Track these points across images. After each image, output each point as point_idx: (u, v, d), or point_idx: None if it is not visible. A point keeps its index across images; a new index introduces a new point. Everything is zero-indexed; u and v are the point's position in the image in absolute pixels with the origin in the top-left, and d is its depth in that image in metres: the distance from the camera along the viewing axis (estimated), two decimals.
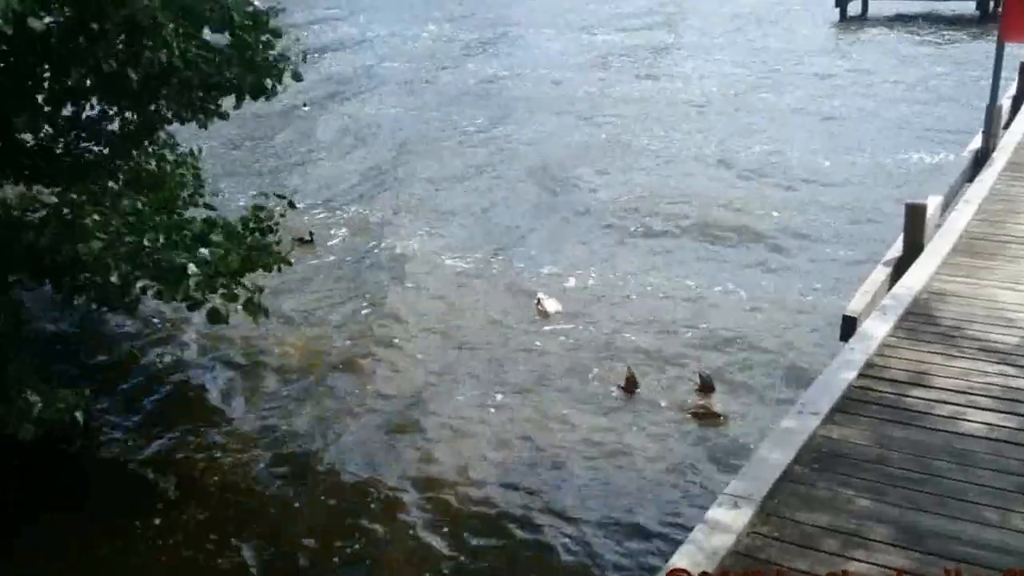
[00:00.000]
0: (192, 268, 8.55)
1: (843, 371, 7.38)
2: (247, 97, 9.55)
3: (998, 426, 6.63)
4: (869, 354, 7.74)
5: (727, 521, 5.38)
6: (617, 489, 9.71)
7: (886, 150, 21.08)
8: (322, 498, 9.73)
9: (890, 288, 9.73)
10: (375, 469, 10.12)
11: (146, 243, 8.48)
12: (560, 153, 21.54)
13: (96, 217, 8.78)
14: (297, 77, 9.74)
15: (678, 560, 5.03)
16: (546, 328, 13.15)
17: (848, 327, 9.16)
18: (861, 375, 7.40)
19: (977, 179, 12.84)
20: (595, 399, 11.31)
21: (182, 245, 8.79)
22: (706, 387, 11.22)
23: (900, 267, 10.28)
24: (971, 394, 7.11)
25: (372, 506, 9.56)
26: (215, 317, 9.02)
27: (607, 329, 13.10)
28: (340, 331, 13.27)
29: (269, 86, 9.58)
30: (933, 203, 11.39)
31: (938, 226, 11.11)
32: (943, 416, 6.78)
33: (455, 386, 11.71)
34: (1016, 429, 6.58)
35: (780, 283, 14.47)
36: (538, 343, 12.78)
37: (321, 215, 17.95)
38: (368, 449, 10.53)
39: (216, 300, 9.07)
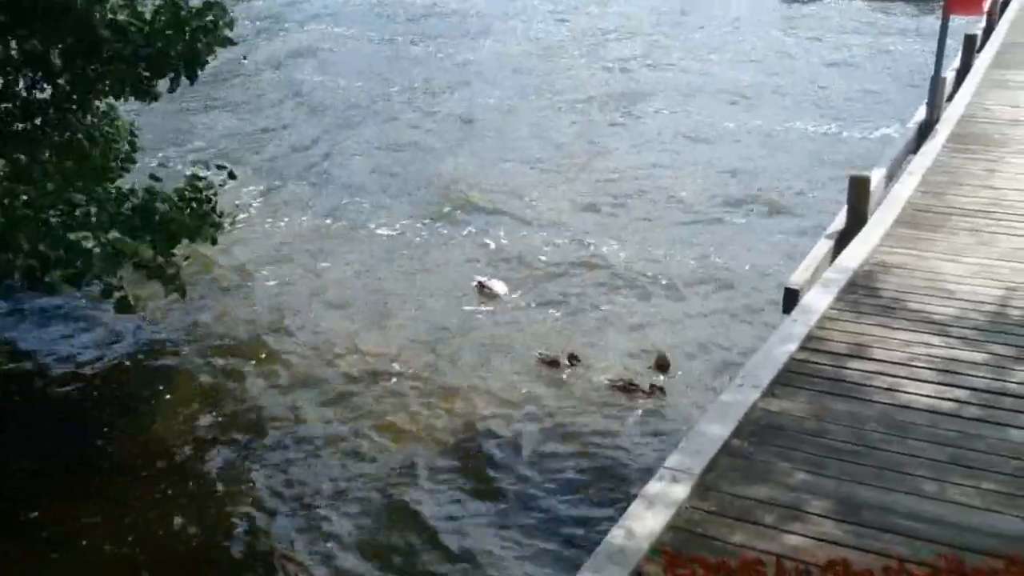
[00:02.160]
0: (98, 250, 8.33)
1: (784, 344, 7.49)
2: (182, 71, 9.38)
3: (936, 398, 6.78)
4: (810, 327, 7.86)
5: (665, 495, 5.44)
6: (558, 466, 9.83)
7: (833, 122, 21.37)
8: (257, 483, 9.72)
9: (833, 261, 9.88)
10: (305, 456, 10.13)
11: (51, 219, 8.26)
12: (514, 125, 21.52)
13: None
14: (225, 43, 9.58)
15: (616, 535, 5.08)
16: (490, 309, 13.15)
17: (790, 300, 9.28)
18: (802, 348, 7.52)
19: (920, 151, 13.07)
20: (537, 376, 11.39)
21: (102, 221, 8.60)
22: (661, 365, 11.38)
23: (843, 239, 10.42)
24: (910, 366, 7.27)
25: (299, 496, 9.57)
26: (124, 307, 8.90)
27: (552, 306, 13.17)
28: (266, 312, 13.14)
29: (202, 55, 9.39)
30: (877, 175, 11.59)
31: (882, 198, 11.30)
32: (882, 388, 6.91)
33: (392, 363, 11.74)
34: (954, 400, 6.74)
35: (725, 255, 14.66)
36: (480, 323, 12.80)
37: (259, 186, 17.73)
38: (299, 434, 10.54)
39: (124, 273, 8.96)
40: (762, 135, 20.63)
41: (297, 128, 21.56)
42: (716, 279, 13.88)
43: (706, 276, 14.01)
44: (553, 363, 11.58)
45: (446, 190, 17.66)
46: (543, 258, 14.75)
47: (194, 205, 9.69)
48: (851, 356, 7.42)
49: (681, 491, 5.49)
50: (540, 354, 11.75)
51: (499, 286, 13.54)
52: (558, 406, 10.89)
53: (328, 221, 16.33)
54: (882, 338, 7.74)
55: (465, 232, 15.84)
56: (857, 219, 10.59)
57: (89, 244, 8.32)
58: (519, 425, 10.50)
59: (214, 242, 10.02)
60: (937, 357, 7.40)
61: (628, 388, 11.03)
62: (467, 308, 13.23)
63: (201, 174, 10.17)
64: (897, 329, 7.92)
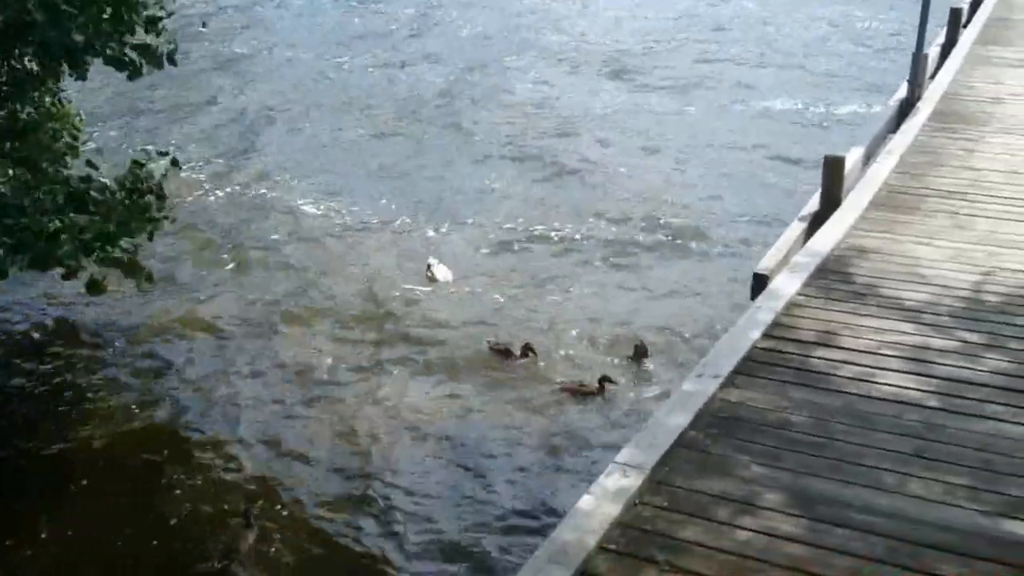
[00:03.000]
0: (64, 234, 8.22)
1: (748, 332, 7.38)
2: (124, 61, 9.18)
3: (902, 387, 6.67)
4: (776, 313, 7.75)
5: (615, 490, 5.33)
6: (506, 461, 9.71)
7: (811, 99, 21.21)
8: (198, 468, 9.67)
9: (804, 244, 9.77)
10: (244, 440, 10.06)
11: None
12: (467, 107, 21.27)
13: None
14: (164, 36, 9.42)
15: (561, 533, 4.97)
16: (435, 294, 12.98)
17: (759, 285, 9.15)
18: (766, 335, 7.40)
19: (900, 130, 12.95)
20: (486, 368, 11.23)
21: (48, 206, 8.42)
22: (640, 353, 11.20)
23: (816, 222, 10.30)
24: (878, 354, 7.16)
25: (238, 487, 9.48)
26: (95, 288, 8.72)
27: (501, 295, 13.02)
28: (212, 298, 12.99)
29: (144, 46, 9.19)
30: (854, 155, 11.48)
31: (859, 179, 11.18)
32: (847, 377, 6.81)
33: (337, 353, 11.59)
34: (919, 390, 6.64)
35: (694, 240, 14.51)
36: (426, 310, 12.62)
37: (204, 171, 17.49)
38: (236, 416, 10.47)
39: (92, 267, 8.78)
40: (736, 112, 20.46)
41: (243, 105, 21.33)
42: (683, 264, 13.74)
43: (673, 261, 13.86)
44: (506, 352, 11.29)
45: (397, 168, 17.52)
46: (498, 241, 14.59)
47: (135, 196, 9.49)
48: (817, 344, 7.31)
49: (631, 486, 5.37)
50: (491, 342, 11.48)
51: (442, 271, 13.22)
52: (509, 398, 10.69)
53: (273, 201, 16.20)
54: (851, 325, 7.63)
55: (418, 212, 15.63)
56: (831, 201, 10.47)
57: (55, 226, 8.22)
58: (465, 420, 10.31)
59: (150, 237, 9.80)
60: (906, 345, 7.29)
61: (578, 390, 10.79)
62: (416, 292, 13.04)
63: (143, 161, 9.91)
64: (867, 316, 7.81)
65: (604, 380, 10.71)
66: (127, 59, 9.22)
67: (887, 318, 7.78)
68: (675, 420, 6.08)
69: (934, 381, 6.77)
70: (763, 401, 6.49)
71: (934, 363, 7.02)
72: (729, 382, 6.68)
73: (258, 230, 15.13)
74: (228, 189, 16.70)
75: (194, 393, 10.82)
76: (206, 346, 11.82)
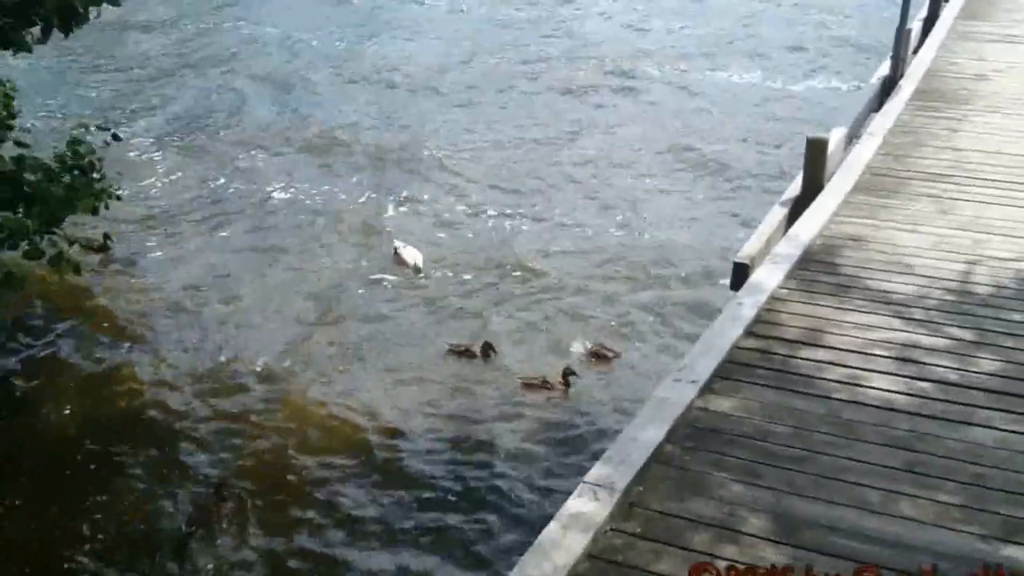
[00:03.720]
0: None
1: (727, 330, 6.92)
2: (55, 22, 8.52)
3: (889, 391, 6.25)
4: (757, 309, 7.29)
5: (585, 516, 4.88)
6: (465, 477, 9.15)
7: (793, 78, 20.72)
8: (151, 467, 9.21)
9: (787, 231, 9.32)
10: (202, 440, 9.59)
11: None
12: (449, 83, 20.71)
13: None
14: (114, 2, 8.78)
15: (524, 569, 4.52)
16: (403, 280, 12.44)
17: (739, 275, 8.72)
18: (747, 334, 6.96)
19: (883, 110, 12.49)
20: (447, 365, 10.72)
21: None
22: (567, 376, 10.28)
23: (799, 207, 9.85)
24: (863, 353, 6.73)
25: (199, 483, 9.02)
26: (11, 283, 8.22)
27: (472, 283, 12.51)
28: (159, 279, 12.45)
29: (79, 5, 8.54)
30: (836, 136, 11.01)
31: (841, 161, 10.72)
32: (832, 381, 6.38)
33: (295, 344, 11.05)
34: (908, 394, 6.22)
35: (674, 227, 14.00)
36: (392, 297, 12.09)
37: (149, 147, 16.88)
38: (195, 410, 10.00)
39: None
40: (714, 93, 19.84)
41: (192, 83, 20.62)
42: (662, 254, 13.19)
43: (652, 251, 13.30)
44: (466, 354, 10.69)
45: (362, 147, 16.89)
46: (470, 228, 14.00)
47: (75, 173, 8.94)
48: (801, 343, 6.87)
49: (602, 510, 4.93)
50: (451, 345, 10.87)
51: (411, 254, 12.57)
52: (469, 405, 10.11)
53: (224, 182, 15.60)
54: (836, 322, 7.19)
55: (386, 195, 15.05)
56: (813, 185, 10.01)
57: None
58: (422, 427, 9.74)
59: (95, 212, 9.27)
60: (893, 343, 6.87)
61: (541, 386, 10.28)
62: (381, 279, 12.49)
63: (83, 138, 9.33)
64: (852, 311, 7.38)
65: (568, 374, 10.22)
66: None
67: (873, 313, 7.35)
68: (650, 433, 5.62)
69: (923, 384, 6.35)
70: (744, 409, 6.05)
71: (922, 363, 6.60)
72: (708, 388, 6.24)
73: (214, 206, 14.61)
74: (183, 164, 16.17)
75: (132, 395, 10.24)
76: (144, 331, 11.30)
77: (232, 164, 16.21)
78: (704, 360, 6.50)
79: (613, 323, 11.51)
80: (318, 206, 14.62)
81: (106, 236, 12.91)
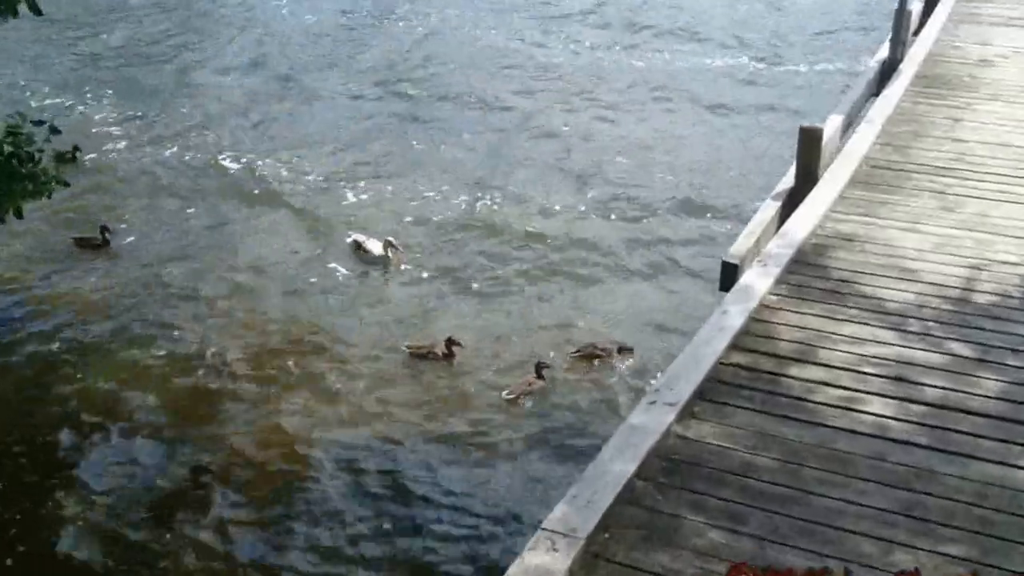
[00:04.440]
0: None
1: (711, 343, 6.29)
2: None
3: (885, 418, 5.63)
4: (745, 318, 6.66)
5: (541, 572, 4.27)
6: (419, 505, 8.52)
7: (788, 61, 19.94)
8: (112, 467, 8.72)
9: (779, 227, 8.69)
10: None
11: None
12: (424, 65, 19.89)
13: None
14: None
15: None
16: (367, 274, 11.78)
17: (728, 275, 8.12)
18: (733, 347, 6.33)
19: (882, 95, 11.78)
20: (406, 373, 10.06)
21: None
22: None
23: (792, 201, 9.21)
24: (858, 371, 6.11)
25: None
26: None
27: (440, 276, 11.83)
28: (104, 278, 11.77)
29: None
30: (832, 125, 10.37)
31: (837, 151, 10.06)
32: (823, 404, 5.76)
33: (245, 347, 10.39)
34: (905, 421, 5.60)
35: (662, 222, 13.30)
36: (352, 293, 11.42)
37: (120, 125, 16.22)
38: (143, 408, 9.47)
39: None
40: (706, 78, 19.02)
41: (164, 55, 19.96)
42: (650, 250, 12.51)
43: (639, 247, 12.61)
44: (427, 355, 10.03)
45: (330, 124, 16.18)
46: (440, 218, 13.28)
47: (14, 162, 8.30)
48: (791, 359, 6.25)
49: (561, 564, 4.32)
50: (408, 346, 10.18)
51: (375, 245, 11.90)
52: (428, 413, 9.45)
53: (188, 159, 15.04)
54: (828, 334, 6.56)
55: (349, 182, 14.29)
56: (807, 178, 9.36)
57: None
58: (379, 438, 9.13)
59: (49, 196, 8.72)
60: (890, 360, 6.24)
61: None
62: (340, 273, 11.82)
63: (17, 128, 8.69)
64: (845, 321, 6.75)
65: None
66: None
67: (868, 324, 6.72)
68: (619, 466, 5.01)
69: (921, 409, 5.73)
70: (726, 437, 5.43)
71: (921, 385, 5.98)
72: (687, 411, 5.62)
73: (171, 187, 14.01)
74: (142, 145, 15.50)
75: (78, 398, 9.67)
76: (83, 329, 10.71)
77: (196, 137, 15.68)
78: (684, 378, 5.87)
79: (602, 319, 10.88)
80: (280, 191, 13.95)
81: (104, 229, 12.19)
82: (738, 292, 7.09)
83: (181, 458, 8.79)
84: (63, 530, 7.99)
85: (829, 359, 6.25)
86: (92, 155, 14.89)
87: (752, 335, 6.52)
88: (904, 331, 6.62)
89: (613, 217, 13.33)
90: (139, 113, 16.82)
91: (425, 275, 11.80)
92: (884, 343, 6.46)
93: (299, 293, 11.39)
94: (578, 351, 10.11)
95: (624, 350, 10.13)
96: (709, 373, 5.98)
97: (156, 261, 12.03)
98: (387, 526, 8.10)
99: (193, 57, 20.11)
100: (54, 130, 8.90)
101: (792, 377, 6.04)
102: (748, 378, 6.02)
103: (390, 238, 11.86)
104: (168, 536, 7.91)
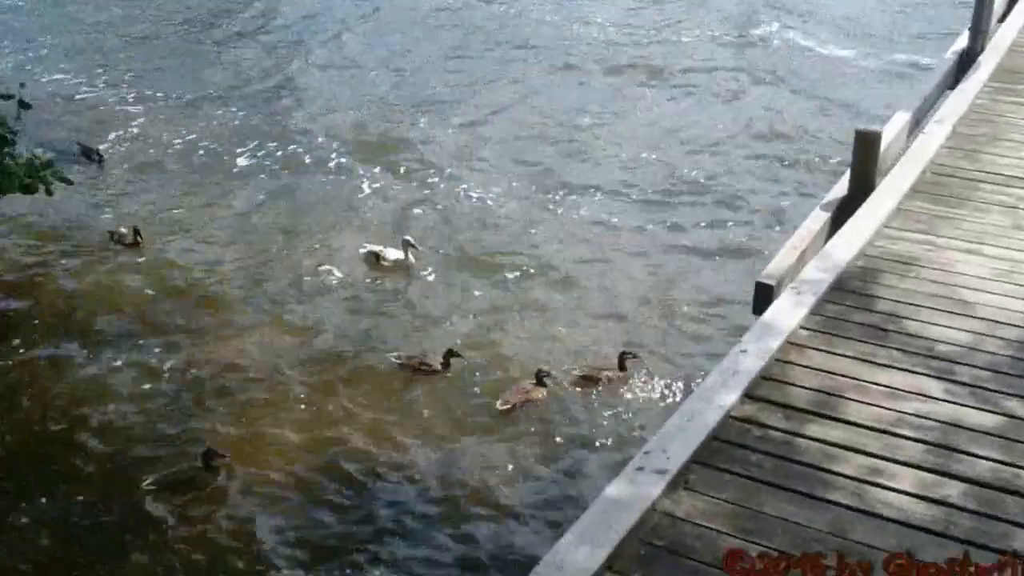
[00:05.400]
0: None
1: (721, 391, 5.35)
2: None
3: (918, 497, 4.65)
4: (765, 360, 5.70)
5: None
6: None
7: (886, 47, 18.49)
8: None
9: (826, 242, 7.66)
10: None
11: None
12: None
13: None
14: None
15: None
16: (382, 285, 10.94)
17: (762, 297, 7.14)
18: (746, 397, 5.39)
19: (956, 90, 10.57)
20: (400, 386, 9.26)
21: None
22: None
23: (844, 211, 8.16)
24: (892, 433, 5.12)
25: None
26: None
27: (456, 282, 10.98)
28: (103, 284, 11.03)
29: None
30: (896, 124, 9.26)
31: (900, 156, 8.95)
32: (844, 476, 4.80)
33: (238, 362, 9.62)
34: (942, 503, 4.61)
35: (711, 225, 12.26)
36: (362, 304, 10.60)
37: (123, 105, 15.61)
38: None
39: None
40: (766, 67, 17.72)
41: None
42: (693, 258, 11.50)
43: (681, 255, 11.59)
44: (420, 369, 9.21)
45: (346, 127, 15.20)
46: (449, 220, 12.38)
47: None
48: (812, 414, 5.28)
49: None
50: (398, 358, 9.36)
51: (392, 253, 11.10)
52: (417, 434, 8.63)
53: (203, 157, 14.22)
54: (861, 383, 5.56)
55: (365, 185, 13.38)
56: (862, 186, 8.29)
57: None
58: (373, 460, 8.36)
59: (30, 192, 8.07)
60: (932, 420, 5.23)
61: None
62: (351, 284, 10.98)
63: None
64: (884, 367, 5.74)
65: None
66: None
67: (911, 371, 5.70)
68: (582, 556, 4.13)
69: (965, 489, 4.72)
70: (721, 517, 4.51)
71: (967, 455, 4.96)
72: (679, 481, 4.70)
73: (200, 175, 13.41)
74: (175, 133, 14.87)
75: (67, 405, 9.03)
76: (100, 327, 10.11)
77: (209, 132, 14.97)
78: (680, 439, 4.94)
79: (616, 335, 9.96)
80: (294, 192, 13.24)
81: (136, 230, 11.51)
82: (762, 326, 6.11)
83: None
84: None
85: (858, 416, 5.26)
86: (127, 144, 14.34)
87: (771, 381, 5.56)
88: (953, 382, 5.59)
89: (661, 216, 12.35)
90: (174, 98, 16.25)
91: (443, 279, 11.01)
92: (927, 397, 5.44)
93: (320, 299, 10.68)
94: (582, 374, 9.22)
95: (628, 356, 9.21)
96: (713, 431, 5.05)
97: (181, 261, 11.35)
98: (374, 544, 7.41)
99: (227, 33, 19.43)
100: (23, 104, 8.25)
101: (811, 438, 5.07)
102: (758, 438, 5.07)
103: (408, 237, 11.03)
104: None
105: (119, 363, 9.51)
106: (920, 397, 5.43)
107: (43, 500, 7.80)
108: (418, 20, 20.09)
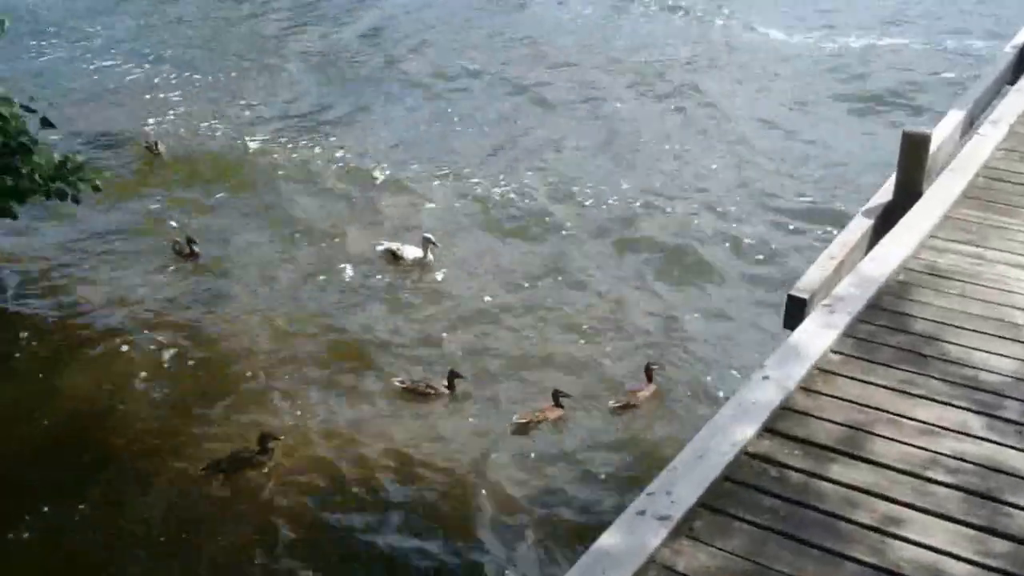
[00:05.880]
0: None
1: (734, 427, 4.85)
2: None
3: (950, 556, 4.11)
4: (789, 389, 5.19)
5: None
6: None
7: (946, 28, 17.63)
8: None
9: (868, 251, 7.10)
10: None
11: None
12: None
13: None
14: None
15: None
16: (401, 282, 10.53)
17: (794, 312, 6.63)
18: (764, 431, 4.88)
19: (1015, 87, 9.87)
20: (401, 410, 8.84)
21: None
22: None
23: (887, 220, 7.58)
24: (924, 477, 4.60)
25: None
26: None
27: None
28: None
29: None
30: (948, 125, 8.63)
31: (950, 159, 8.32)
32: (866, 527, 4.28)
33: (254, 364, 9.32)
34: (978, 565, 4.07)
35: (751, 231, 11.67)
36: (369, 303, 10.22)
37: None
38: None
39: None
40: (830, 57, 16.99)
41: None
42: (739, 258, 10.96)
43: (719, 260, 11.08)
44: (424, 393, 8.80)
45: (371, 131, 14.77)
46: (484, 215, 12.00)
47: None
48: (836, 452, 4.76)
49: None
50: (401, 382, 8.93)
51: (411, 250, 10.71)
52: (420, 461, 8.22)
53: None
54: (895, 418, 5.03)
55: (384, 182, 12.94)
56: (908, 192, 7.70)
57: None
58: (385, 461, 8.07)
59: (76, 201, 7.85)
60: (970, 463, 4.68)
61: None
62: (367, 283, 10.57)
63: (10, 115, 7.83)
64: (921, 399, 5.19)
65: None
66: None
67: (950, 404, 5.15)
68: None
69: (1007, 548, 4.17)
70: (725, 573, 4.03)
71: (1011, 507, 4.40)
72: (683, 528, 4.23)
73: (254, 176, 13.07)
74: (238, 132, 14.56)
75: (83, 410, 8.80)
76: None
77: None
78: (688, 478, 4.47)
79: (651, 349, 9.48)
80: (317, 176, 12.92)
81: (190, 240, 11.16)
82: (787, 349, 5.59)
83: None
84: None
85: (887, 455, 4.73)
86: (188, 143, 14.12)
87: (794, 413, 5.05)
88: (998, 418, 5.03)
89: (698, 219, 11.83)
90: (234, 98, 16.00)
91: (459, 280, 10.61)
92: (967, 435, 4.89)
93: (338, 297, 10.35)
94: (618, 403, 8.76)
95: (652, 367, 8.82)
96: (725, 470, 4.56)
97: (231, 272, 11.02)
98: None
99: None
100: (47, 123, 8.07)
101: (832, 480, 4.56)
102: (774, 479, 4.57)
103: (428, 234, 10.62)
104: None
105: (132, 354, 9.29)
106: (959, 435, 4.89)
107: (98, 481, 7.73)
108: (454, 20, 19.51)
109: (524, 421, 8.35)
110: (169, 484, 7.80)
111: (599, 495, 7.82)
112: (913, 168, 7.68)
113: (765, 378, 5.25)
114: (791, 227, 11.70)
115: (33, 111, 8.14)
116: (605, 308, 10.10)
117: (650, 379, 8.74)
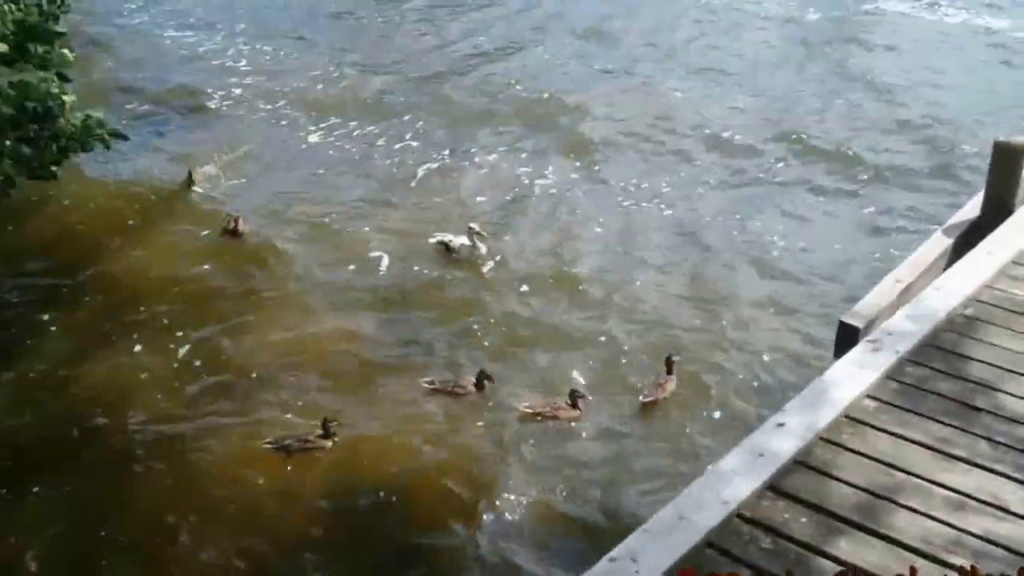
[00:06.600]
0: None
1: (732, 482, 4.27)
2: None
3: None
4: (807, 440, 4.57)
5: None
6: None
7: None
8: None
9: (946, 269, 6.38)
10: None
11: None
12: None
13: None
14: None
15: None
16: (453, 277, 10.03)
17: (845, 339, 5.98)
18: (768, 489, 4.29)
19: None
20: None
21: None
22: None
23: (971, 239, 6.79)
24: (943, 562, 3.95)
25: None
26: None
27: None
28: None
29: None
30: None
31: None
32: None
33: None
34: None
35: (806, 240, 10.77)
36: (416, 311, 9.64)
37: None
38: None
39: None
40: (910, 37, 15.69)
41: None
42: (781, 277, 10.12)
43: (769, 267, 10.24)
44: (454, 392, 8.30)
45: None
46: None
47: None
48: (848, 524, 4.14)
49: None
50: (430, 383, 8.40)
51: (459, 240, 10.19)
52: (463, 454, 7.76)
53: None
54: (924, 484, 4.36)
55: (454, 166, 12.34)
56: (997, 209, 6.89)
57: None
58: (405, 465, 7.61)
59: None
60: (1001, 548, 4.00)
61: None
62: (417, 278, 10.08)
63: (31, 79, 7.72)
64: (960, 461, 4.50)
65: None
66: None
67: (991, 469, 4.44)
68: None
69: None
70: None
71: None
72: None
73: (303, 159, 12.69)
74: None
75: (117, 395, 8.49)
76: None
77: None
78: (665, 542, 3.93)
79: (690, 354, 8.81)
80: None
81: (234, 218, 10.76)
82: (814, 392, 4.94)
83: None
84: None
85: (906, 532, 4.08)
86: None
87: (807, 469, 4.44)
88: None
89: (755, 224, 11.03)
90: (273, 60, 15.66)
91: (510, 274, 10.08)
92: (1004, 512, 4.19)
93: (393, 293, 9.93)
94: (647, 398, 8.17)
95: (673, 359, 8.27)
96: (708, 535, 4.00)
97: (277, 250, 10.63)
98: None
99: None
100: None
101: (834, 558, 3.94)
102: (765, 550, 3.99)
103: (472, 224, 10.13)
104: None
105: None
106: (995, 510, 4.19)
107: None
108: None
109: (531, 411, 7.93)
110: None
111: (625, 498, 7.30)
112: (1004, 182, 6.88)
113: (780, 425, 4.64)
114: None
115: (69, 79, 8.04)
116: (658, 302, 9.47)
117: (670, 371, 8.12)
